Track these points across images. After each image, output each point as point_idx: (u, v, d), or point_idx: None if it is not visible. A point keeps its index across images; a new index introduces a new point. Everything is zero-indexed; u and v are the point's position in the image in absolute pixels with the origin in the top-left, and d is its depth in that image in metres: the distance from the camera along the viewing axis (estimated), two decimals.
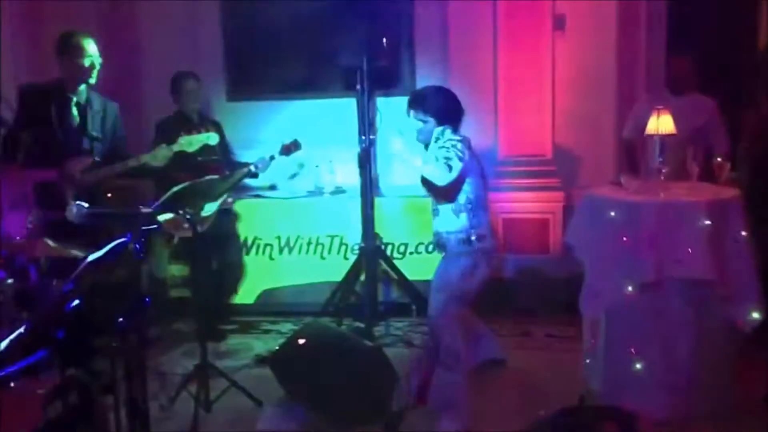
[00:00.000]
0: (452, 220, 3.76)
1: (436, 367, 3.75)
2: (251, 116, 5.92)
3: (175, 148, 4.11)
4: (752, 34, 5.63)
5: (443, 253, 3.89)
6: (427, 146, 3.79)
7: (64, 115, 4.15)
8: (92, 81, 4.17)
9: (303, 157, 5.37)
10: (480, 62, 5.53)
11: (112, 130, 4.30)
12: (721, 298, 3.62)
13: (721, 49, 5.59)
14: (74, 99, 4.18)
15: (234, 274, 5.37)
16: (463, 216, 3.73)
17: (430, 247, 4.82)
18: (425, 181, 3.73)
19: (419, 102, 3.81)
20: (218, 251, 5.17)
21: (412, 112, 3.81)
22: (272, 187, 5.83)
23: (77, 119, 4.19)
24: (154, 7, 5.87)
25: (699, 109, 4.99)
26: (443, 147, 3.65)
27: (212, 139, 4.18)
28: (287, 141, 5.10)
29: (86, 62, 4.10)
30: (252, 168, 4.91)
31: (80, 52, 4.09)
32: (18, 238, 4.01)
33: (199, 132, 4.14)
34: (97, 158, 4.17)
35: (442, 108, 3.78)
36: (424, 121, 3.77)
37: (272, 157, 5.01)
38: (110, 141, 4.28)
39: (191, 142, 4.11)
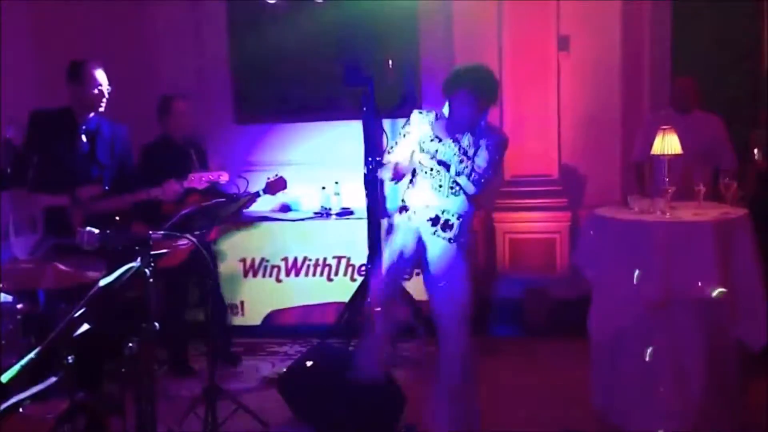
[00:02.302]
0: (465, 202, 3.56)
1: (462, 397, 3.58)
2: (258, 139, 5.95)
3: (186, 184, 4.19)
4: (756, 54, 5.65)
5: (443, 235, 3.55)
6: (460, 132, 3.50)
7: (73, 142, 4.17)
8: (101, 109, 4.21)
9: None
10: None
11: (121, 157, 4.33)
12: (729, 318, 3.61)
13: (725, 69, 5.63)
14: (83, 126, 4.20)
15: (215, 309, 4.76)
16: (468, 201, 3.59)
17: None
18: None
19: (480, 84, 3.40)
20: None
21: (462, 93, 3.40)
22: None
23: (86, 146, 4.21)
24: (161, 30, 5.92)
25: (705, 125, 5.01)
26: (496, 146, 3.49)
27: (223, 178, 4.23)
28: (271, 177, 4.78)
29: (95, 90, 4.14)
30: (233, 197, 4.59)
31: (89, 80, 4.11)
32: (25, 261, 4.05)
33: (197, 167, 4.22)
34: (106, 186, 4.19)
35: (493, 88, 3.50)
36: (469, 106, 3.42)
37: (258, 194, 4.70)
38: (119, 167, 4.31)
39: (202, 179, 4.18)
